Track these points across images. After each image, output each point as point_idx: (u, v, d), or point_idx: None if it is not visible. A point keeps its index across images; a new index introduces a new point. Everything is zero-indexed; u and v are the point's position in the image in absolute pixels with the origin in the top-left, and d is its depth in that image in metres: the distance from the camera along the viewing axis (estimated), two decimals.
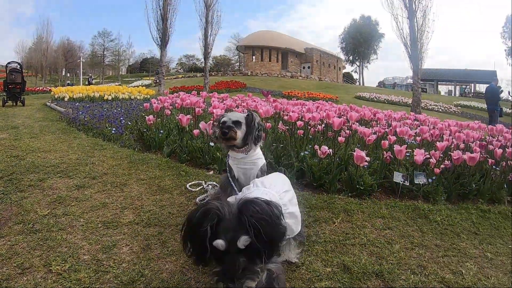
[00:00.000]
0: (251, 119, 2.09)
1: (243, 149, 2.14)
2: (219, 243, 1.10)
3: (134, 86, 18.18)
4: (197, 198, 2.63)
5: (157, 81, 26.84)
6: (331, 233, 2.21)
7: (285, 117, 4.55)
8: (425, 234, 2.31)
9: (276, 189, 1.60)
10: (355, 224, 2.36)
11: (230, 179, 2.11)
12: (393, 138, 3.72)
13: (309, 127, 4.29)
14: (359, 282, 1.68)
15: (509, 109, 23.68)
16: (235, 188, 2.00)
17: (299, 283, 1.64)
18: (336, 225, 2.33)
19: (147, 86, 25.24)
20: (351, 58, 62.81)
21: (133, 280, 1.60)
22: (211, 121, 3.74)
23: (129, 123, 5.57)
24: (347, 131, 4.23)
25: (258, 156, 2.23)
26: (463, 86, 46.53)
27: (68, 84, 31.76)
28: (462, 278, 1.78)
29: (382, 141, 3.66)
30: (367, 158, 2.94)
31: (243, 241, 1.11)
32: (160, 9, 21.04)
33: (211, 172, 3.44)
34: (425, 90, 38.21)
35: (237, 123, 2.06)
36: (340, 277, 1.70)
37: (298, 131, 4.07)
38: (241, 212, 1.16)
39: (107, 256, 1.81)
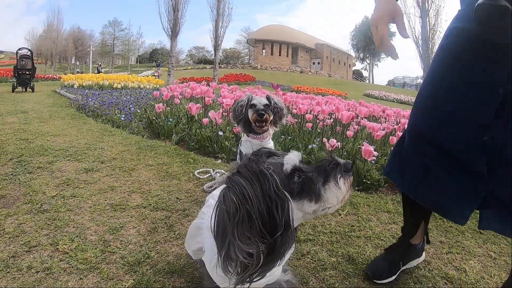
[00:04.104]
0: (270, 102, 2.07)
1: (263, 135, 2.12)
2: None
3: (144, 76, 18.27)
4: (205, 185, 2.63)
5: (157, 73, 26.60)
6: (337, 224, 2.20)
7: (294, 110, 4.54)
8: (430, 230, 2.29)
9: None
10: (361, 217, 2.35)
11: None
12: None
13: (317, 120, 4.27)
14: (363, 272, 1.67)
15: None
16: None
17: (304, 271, 1.64)
18: (342, 217, 2.32)
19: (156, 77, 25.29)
20: (361, 55, 62.33)
21: (139, 261, 1.61)
22: (221, 110, 3.74)
23: (138, 111, 5.60)
24: (356, 126, 4.21)
25: (271, 146, 2.20)
26: None
27: (78, 72, 31.94)
28: (466, 275, 1.76)
29: (390, 137, 3.63)
30: (375, 153, 2.92)
31: None
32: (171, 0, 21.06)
33: (219, 161, 3.45)
34: None
35: (266, 106, 2.04)
36: (344, 267, 1.69)
37: (307, 124, 4.05)
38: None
39: (114, 237, 1.82)
